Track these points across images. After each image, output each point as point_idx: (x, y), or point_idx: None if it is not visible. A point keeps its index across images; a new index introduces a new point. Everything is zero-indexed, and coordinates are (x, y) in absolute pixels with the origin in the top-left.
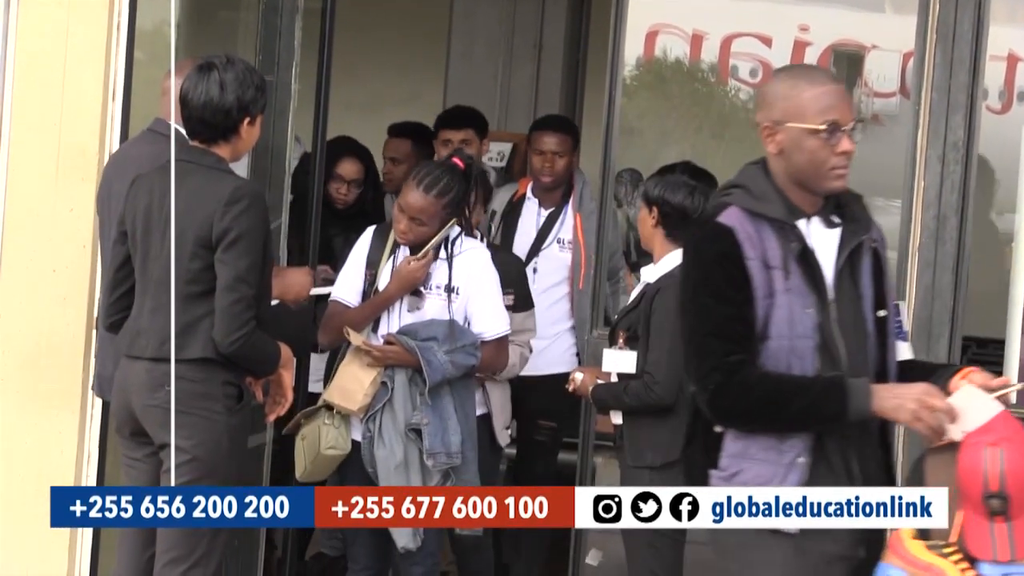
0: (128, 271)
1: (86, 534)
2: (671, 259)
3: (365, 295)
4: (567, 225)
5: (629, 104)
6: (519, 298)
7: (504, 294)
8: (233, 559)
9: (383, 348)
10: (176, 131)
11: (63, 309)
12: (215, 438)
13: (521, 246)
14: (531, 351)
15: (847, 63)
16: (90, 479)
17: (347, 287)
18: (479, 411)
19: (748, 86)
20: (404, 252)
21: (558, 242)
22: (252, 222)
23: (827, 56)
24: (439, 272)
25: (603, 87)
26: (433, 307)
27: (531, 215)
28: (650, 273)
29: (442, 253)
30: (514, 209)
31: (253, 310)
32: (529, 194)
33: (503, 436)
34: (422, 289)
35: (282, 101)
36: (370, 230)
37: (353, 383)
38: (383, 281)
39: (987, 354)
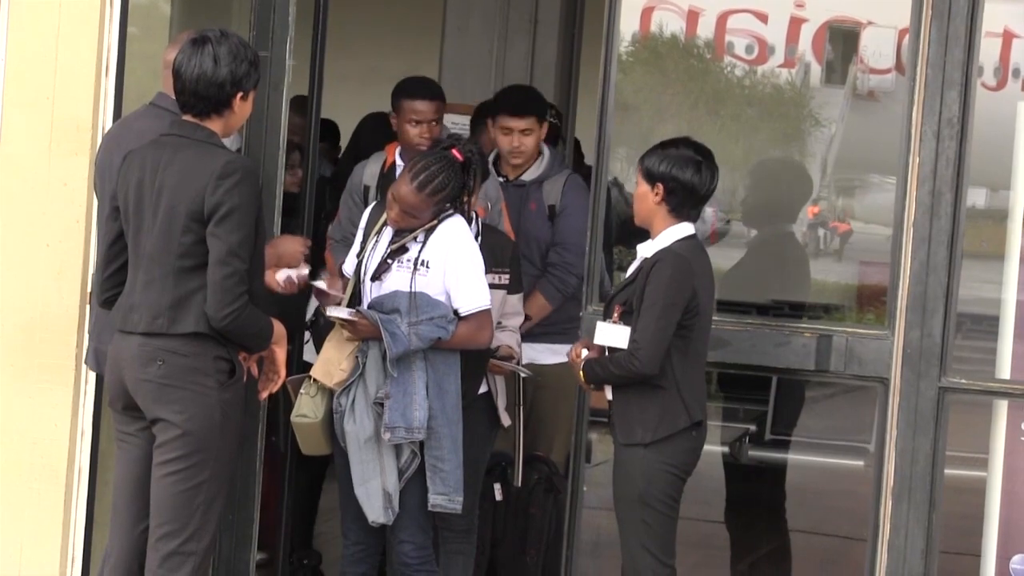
0: (122, 247)
1: (80, 506)
2: (670, 234)
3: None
4: None
5: (625, 80)
6: (514, 279)
7: (499, 273)
8: (227, 533)
9: (355, 321)
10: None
11: (57, 284)
12: (207, 413)
13: None
14: (520, 337)
15: (843, 39)
16: (84, 454)
17: (348, 261)
18: (481, 389)
19: (744, 62)
20: (389, 232)
21: None
22: (244, 196)
23: (822, 32)
24: (414, 246)
25: (599, 62)
26: (396, 280)
27: None
28: (647, 248)
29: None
30: (386, 179)
31: (246, 284)
32: (399, 160)
33: (505, 416)
34: (389, 262)
35: (276, 75)
36: (372, 206)
37: (331, 359)
38: (368, 257)
39: (982, 330)
